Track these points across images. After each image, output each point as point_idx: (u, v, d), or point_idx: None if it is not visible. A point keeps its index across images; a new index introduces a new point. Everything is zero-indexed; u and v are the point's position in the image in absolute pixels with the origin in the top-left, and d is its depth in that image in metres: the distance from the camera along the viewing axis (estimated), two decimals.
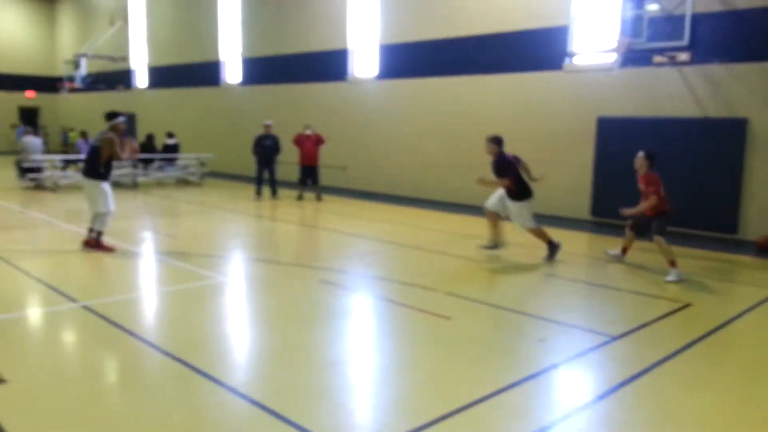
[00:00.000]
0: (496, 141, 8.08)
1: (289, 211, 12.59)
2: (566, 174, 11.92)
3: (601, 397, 4.09)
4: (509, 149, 8.25)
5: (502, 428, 3.59)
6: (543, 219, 9.66)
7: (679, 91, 10.49)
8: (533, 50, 12.38)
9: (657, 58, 10.60)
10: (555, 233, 9.50)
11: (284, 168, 15.35)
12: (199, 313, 5.78)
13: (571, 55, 11.80)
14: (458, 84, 13.74)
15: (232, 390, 4.01)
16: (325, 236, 10.43)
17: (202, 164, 17.86)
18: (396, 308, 6.02)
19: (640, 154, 7.70)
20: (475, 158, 13.35)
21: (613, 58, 11.08)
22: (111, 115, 8.02)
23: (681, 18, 9.86)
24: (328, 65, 16.57)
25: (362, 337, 5.37)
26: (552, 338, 5.21)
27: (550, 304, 6.42)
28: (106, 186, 7.95)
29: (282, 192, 14.54)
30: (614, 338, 5.18)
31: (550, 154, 12.08)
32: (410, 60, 14.65)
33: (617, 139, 11.10)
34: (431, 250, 8.89)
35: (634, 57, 10.62)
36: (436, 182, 14.28)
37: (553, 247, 8.20)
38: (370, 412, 3.81)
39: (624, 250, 8.21)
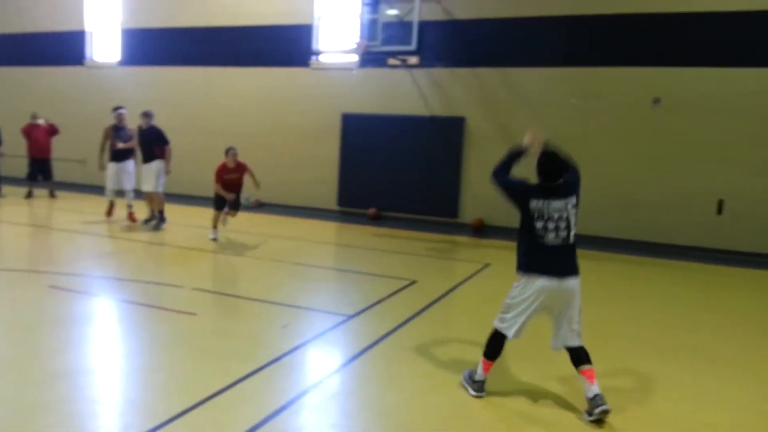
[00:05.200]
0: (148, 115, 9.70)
1: (17, 211, 11.17)
2: (315, 167, 12.48)
3: (337, 371, 4.48)
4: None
5: (237, 416, 3.68)
6: (294, 210, 10.08)
7: (410, 91, 11.66)
8: (283, 46, 12.67)
9: (391, 61, 11.65)
10: (305, 224, 9.94)
11: (9, 162, 13.50)
12: None
13: (317, 54, 12.35)
14: (210, 75, 13.47)
15: None
16: (59, 237, 9.50)
17: None
18: (138, 309, 5.80)
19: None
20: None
21: (353, 58, 11.87)
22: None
23: (410, 24, 10.95)
24: (61, 47, 14.96)
25: (99, 343, 5.07)
26: (295, 323, 5.52)
27: (294, 290, 6.73)
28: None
29: (7, 189, 12.80)
30: (351, 316, 5.68)
31: (300, 148, 12.54)
32: (158, 47, 13.94)
33: (360, 134, 11.97)
34: (178, 245, 8.67)
35: (371, 58, 11.52)
36: (189, 176, 13.80)
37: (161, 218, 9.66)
38: (102, 418, 3.66)
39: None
